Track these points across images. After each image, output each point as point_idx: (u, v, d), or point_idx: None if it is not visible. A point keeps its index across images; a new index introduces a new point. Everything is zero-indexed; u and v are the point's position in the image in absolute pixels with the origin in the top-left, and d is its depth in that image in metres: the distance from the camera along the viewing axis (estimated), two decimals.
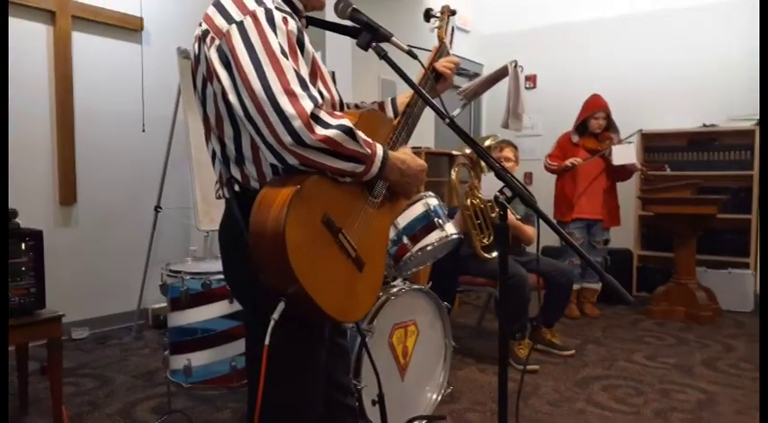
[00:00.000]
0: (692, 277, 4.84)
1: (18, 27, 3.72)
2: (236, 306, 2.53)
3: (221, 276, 2.53)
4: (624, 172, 4.95)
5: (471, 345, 4.02)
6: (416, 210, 2.75)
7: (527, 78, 6.47)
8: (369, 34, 1.50)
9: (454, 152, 4.84)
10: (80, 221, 4.09)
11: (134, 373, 3.38)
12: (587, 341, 4.19)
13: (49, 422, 2.64)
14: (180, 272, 2.62)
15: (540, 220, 1.39)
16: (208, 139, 1.47)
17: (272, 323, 1.29)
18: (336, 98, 1.49)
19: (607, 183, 4.97)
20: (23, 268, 2.44)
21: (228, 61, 1.30)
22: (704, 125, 5.53)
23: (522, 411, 2.92)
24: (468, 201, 3.52)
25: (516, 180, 1.42)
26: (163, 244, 4.36)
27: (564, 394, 3.18)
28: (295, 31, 1.34)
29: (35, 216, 3.57)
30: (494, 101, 6.51)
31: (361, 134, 1.32)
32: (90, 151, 4.11)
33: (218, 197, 1.51)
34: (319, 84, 1.42)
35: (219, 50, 1.31)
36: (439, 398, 2.80)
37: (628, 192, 5.48)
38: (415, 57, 1.55)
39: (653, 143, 5.78)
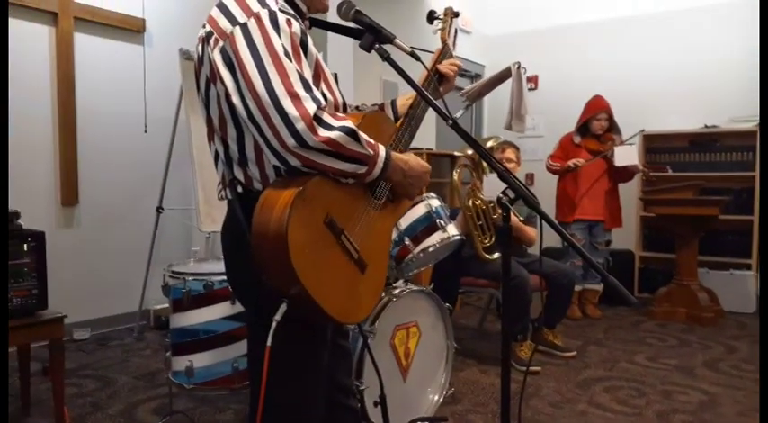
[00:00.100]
0: (694, 278, 4.83)
1: (20, 28, 3.72)
2: (239, 307, 2.53)
3: (223, 278, 2.53)
4: (626, 173, 4.95)
5: (473, 346, 4.02)
6: (418, 211, 2.75)
7: (528, 79, 6.47)
8: (372, 36, 1.51)
9: (456, 153, 4.85)
10: (82, 222, 4.10)
11: (136, 374, 3.38)
12: (589, 342, 4.19)
13: None
14: (182, 273, 2.62)
15: (542, 222, 1.40)
16: (211, 140, 1.47)
17: (274, 325, 1.29)
18: (339, 100, 1.49)
19: (609, 184, 4.97)
20: (26, 269, 2.44)
21: (232, 63, 1.30)
22: (706, 126, 5.53)
23: (524, 413, 2.92)
24: (470, 202, 3.52)
25: (519, 181, 1.42)
26: (164, 245, 4.37)
27: (565, 395, 3.17)
28: (299, 32, 1.34)
29: (37, 217, 3.57)
30: (495, 102, 6.51)
31: (363, 135, 1.33)
32: (92, 152, 4.11)
33: (221, 198, 1.51)
34: (322, 86, 1.43)
35: (223, 52, 1.31)
36: (441, 399, 2.80)
37: (629, 193, 5.48)
38: (417, 58, 1.55)
39: (655, 144, 5.78)
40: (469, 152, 3.56)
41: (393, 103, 1.78)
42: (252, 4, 1.33)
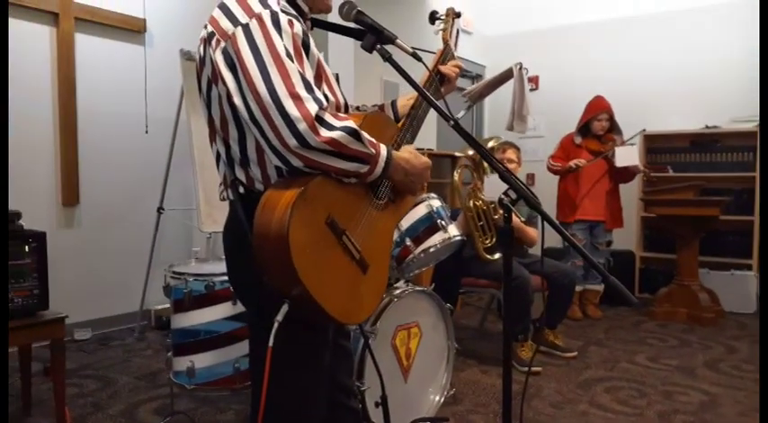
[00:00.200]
0: (695, 279, 4.83)
1: (21, 29, 3.72)
2: (240, 308, 2.53)
3: (225, 278, 2.53)
4: (627, 173, 4.95)
5: (473, 346, 4.02)
6: (419, 211, 2.75)
7: (529, 80, 6.48)
8: (373, 36, 1.51)
9: (457, 154, 4.85)
10: (83, 223, 4.10)
11: (137, 375, 3.38)
12: (590, 343, 4.19)
13: None
14: (183, 273, 2.63)
15: (543, 222, 1.40)
16: (212, 140, 1.47)
17: (275, 325, 1.29)
18: (341, 100, 1.49)
19: (610, 184, 4.97)
20: (27, 270, 2.44)
21: (234, 64, 1.30)
22: (707, 126, 5.53)
23: (525, 413, 2.92)
24: (471, 202, 3.52)
25: (520, 182, 1.42)
26: (165, 245, 4.37)
27: (566, 396, 3.17)
28: (300, 33, 1.34)
29: (38, 217, 3.57)
30: (496, 103, 6.51)
31: (365, 135, 1.33)
32: (93, 153, 4.11)
33: (223, 199, 1.51)
34: (324, 86, 1.43)
35: (225, 53, 1.31)
36: (442, 399, 2.80)
37: (630, 193, 5.48)
38: (419, 59, 1.55)
39: (655, 144, 5.78)
40: (470, 152, 3.56)
41: (393, 104, 1.78)
42: (254, 4, 1.33)
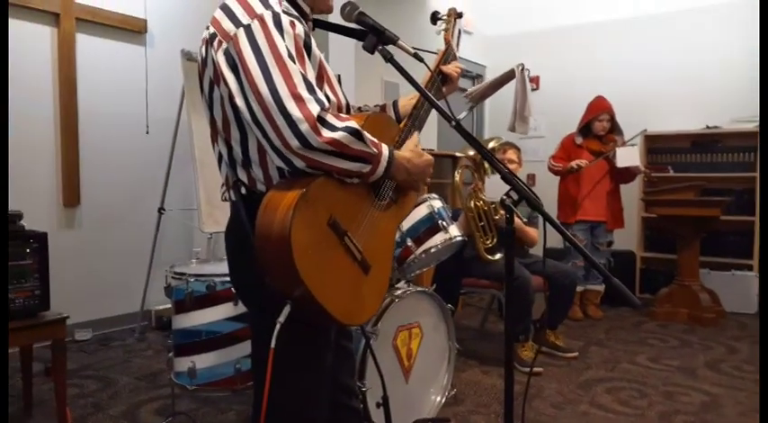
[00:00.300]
0: (696, 279, 4.83)
1: (22, 29, 3.72)
2: (241, 308, 2.53)
3: (226, 278, 2.53)
4: (628, 174, 4.95)
5: (474, 347, 4.02)
6: (420, 212, 2.75)
7: (530, 80, 6.47)
8: (375, 37, 1.51)
9: (457, 154, 4.85)
10: (83, 223, 4.10)
11: (137, 375, 3.38)
12: (590, 343, 4.19)
13: None
14: (184, 274, 2.62)
15: (545, 223, 1.40)
16: (214, 141, 1.47)
17: (277, 326, 1.29)
18: (343, 101, 1.49)
19: (611, 185, 4.97)
20: (28, 270, 2.44)
21: (236, 64, 1.30)
22: (707, 127, 5.53)
23: (526, 414, 2.92)
24: (472, 202, 3.52)
25: (522, 183, 1.42)
26: (166, 246, 4.37)
27: (567, 396, 3.17)
28: (302, 34, 1.34)
29: (39, 218, 3.57)
30: (497, 103, 6.50)
31: (367, 135, 1.33)
32: (94, 153, 4.11)
33: (225, 200, 1.51)
34: (326, 87, 1.43)
35: (227, 54, 1.31)
36: (443, 400, 2.80)
37: (631, 193, 5.48)
38: (421, 60, 1.55)
39: (656, 145, 5.78)
40: (471, 153, 3.56)
41: (395, 104, 1.78)
42: (255, 5, 1.33)
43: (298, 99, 1.25)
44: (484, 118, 7.18)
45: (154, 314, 4.37)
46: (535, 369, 3.52)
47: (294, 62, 1.28)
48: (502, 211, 3.60)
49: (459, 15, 1.94)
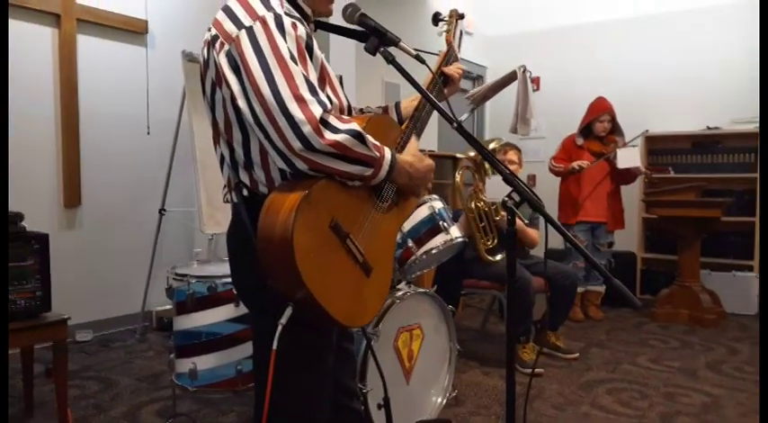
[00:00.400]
0: (696, 280, 4.83)
1: (23, 30, 3.72)
2: (242, 309, 2.53)
3: (227, 280, 2.53)
4: (628, 175, 4.95)
5: (475, 348, 4.01)
6: (421, 213, 2.75)
7: (531, 81, 6.48)
8: (377, 39, 1.51)
9: (458, 155, 4.85)
10: (84, 224, 4.10)
11: (138, 376, 3.38)
12: (591, 344, 4.19)
13: None
14: (185, 275, 2.62)
15: (547, 225, 1.40)
16: (216, 143, 1.47)
17: (279, 328, 1.29)
18: (344, 103, 1.50)
19: (611, 186, 4.97)
20: (29, 271, 2.44)
21: (238, 66, 1.30)
22: (708, 128, 5.53)
23: (527, 415, 2.92)
24: (473, 203, 3.52)
25: (524, 184, 1.42)
26: (167, 246, 4.37)
27: (568, 398, 3.17)
28: (304, 36, 1.34)
29: (40, 219, 3.58)
30: (498, 105, 6.50)
31: (369, 138, 1.33)
32: (94, 154, 4.11)
33: (226, 202, 1.51)
34: (327, 89, 1.43)
35: (229, 55, 1.32)
36: (444, 401, 2.79)
37: (631, 194, 5.49)
38: (423, 62, 1.55)
39: (657, 146, 5.79)
40: (472, 154, 3.56)
41: (397, 106, 1.78)
42: (257, 7, 1.33)
43: (300, 101, 1.25)
44: (485, 119, 7.18)
45: (155, 315, 4.37)
46: (536, 370, 3.52)
47: (296, 64, 1.28)
48: (503, 212, 3.60)
49: (461, 17, 1.94)
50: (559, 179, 5.08)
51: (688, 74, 5.78)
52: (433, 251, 2.71)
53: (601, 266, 1.38)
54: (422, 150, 1.59)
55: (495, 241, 3.60)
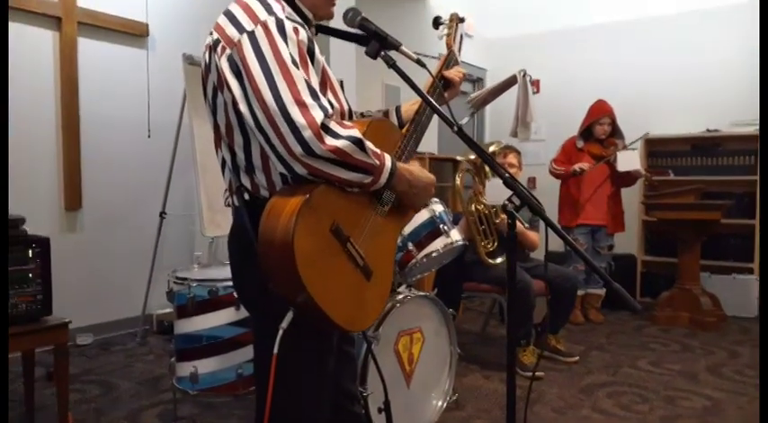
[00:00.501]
0: (696, 283, 4.83)
1: (24, 33, 3.73)
2: (243, 313, 2.54)
3: (228, 283, 2.53)
4: (629, 178, 4.95)
5: (475, 351, 4.01)
6: (422, 216, 2.76)
7: (531, 83, 6.49)
8: (378, 43, 1.51)
9: (458, 158, 4.85)
10: (85, 227, 4.10)
11: (139, 380, 3.38)
12: (591, 347, 4.19)
13: None
14: (186, 279, 2.63)
15: (547, 229, 1.40)
16: (218, 147, 1.47)
17: (280, 332, 1.29)
18: (345, 107, 1.50)
19: (612, 189, 4.97)
20: (30, 275, 2.44)
21: (239, 71, 1.30)
22: (708, 130, 5.53)
23: (528, 419, 2.91)
24: (473, 206, 3.52)
25: (524, 188, 1.42)
26: (167, 250, 4.37)
27: (569, 401, 3.17)
28: (306, 40, 1.35)
29: (41, 222, 3.58)
30: (498, 108, 6.51)
31: (370, 145, 1.33)
32: (95, 157, 4.12)
33: (227, 205, 1.52)
34: (329, 93, 1.43)
35: (230, 60, 1.32)
36: (444, 405, 2.79)
37: (631, 197, 5.49)
38: (423, 66, 1.56)
39: (656, 148, 5.79)
40: (472, 157, 3.57)
41: (398, 110, 1.79)
42: (259, 11, 1.34)
43: (301, 105, 1.25)
44: (485, 123, 7.19)
45: (155, 318, 4.37)
46: (536, 373, 3.52)
47: (298, 68, 1.29)
48: (503, 215, 3.61)
49: (461, 20, 1.95)
50: (559, 182, 5.09)
51: (688, 76, 5.78)
52: (434, 254, 2.71)
53: (601, 270, 1.38)
54: (421, 153, 1.60)
55: (496, 244, 3.60)
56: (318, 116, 1.25)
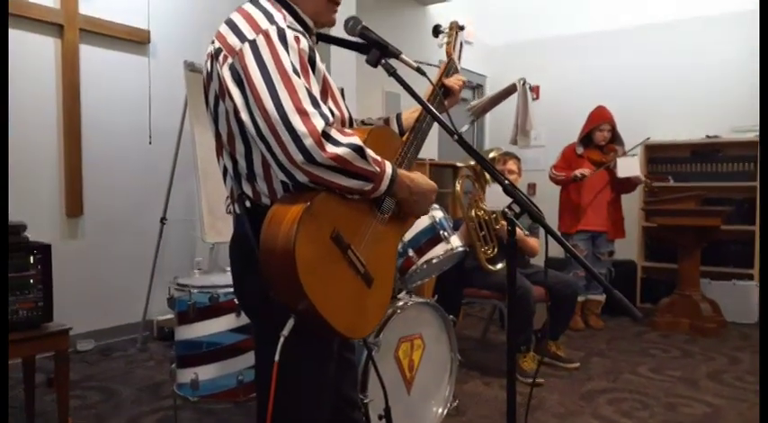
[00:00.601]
0: (697, 289, 4.83)
1: (26, 40, 3.75)
2: (244, 320, 2.54)
3: (229, 290, 2.54)
4: (629, 184, 4.96)
5: (476, 357, 4.01)
6: (422, 222, 2.76)
7: (531, 89, 6.51)
8: (378, 51, 1.52)
9: (458, 164, 4.86)
10: (86, 233, 4.11)
11: (139, 386, 3.38)
12: (592, 353, 4.18)
13: None
14: (187, 285, 2.63)
15: (547, 236, 1.40)
16: (219, 155, 1.48)
17: (281, 340, 1.30)
18: (346, 115, 1.51)
19: (612, 195, 4.98)
20: (31, 281, 2.44)
21: (241, 79, 1.31)
22: (707, 136, 5.55)
23: None
24: (473, 212, 3.53)
25: (524, 196, 1.43)
26: (168, 256, 4.37)
27: (569, 408, 3.17)
28: (307, 49, 1.36)
29: (42, 228, 3.59)
30: (498, 116, 6.52)
31: (370, 152, 1.34)
32: (97, 163, 4.13)
33: (229, 212, 1.53)
34: (330, 101, 1.44)
35: (232, 69, 1.33)
36: (445, 412, 2.79)
37: (631, 203, 5.49)
38: (424, 74, 1.56)
39: (656, 154, 5.80)
40: (472, 162, 3.57)
41: (398, 117, 1.80)
42: (260, 20, 1.35)
43: (302, 114, 1.26)
44: (485, 130, 7.20)
45: (156, 324, 4.37)
46: (536, 380, 3.52)
47: (299, 77, 1.30)
48: (503, 221, 3.61)
49: (461, 28, 1.96)
50: (559, 188, 5.10)
51: (688, 82, 5.80)
52: (434, 261, 2.72)
53: (601, 278, 1.39)
54: (422, 159, 1.61)
55: (496, 250, 3.60)
56: (319, 124, 1.26)
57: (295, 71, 1.30)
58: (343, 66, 4.23)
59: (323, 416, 1.52)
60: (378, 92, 5.36)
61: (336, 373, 1.55)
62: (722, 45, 5.65)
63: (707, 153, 5.60)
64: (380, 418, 2.08)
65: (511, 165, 3.90)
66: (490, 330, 4.59)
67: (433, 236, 2.75)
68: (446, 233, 2.77)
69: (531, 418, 3.00)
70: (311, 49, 1.38)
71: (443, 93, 1.79)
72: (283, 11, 1.42)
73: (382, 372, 2.03)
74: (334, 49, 4.17)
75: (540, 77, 6.45)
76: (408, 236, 2.72)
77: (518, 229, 1.48)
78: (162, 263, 4.25)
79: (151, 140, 4.34)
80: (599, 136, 4.91)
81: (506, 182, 1.42)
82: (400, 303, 2.55)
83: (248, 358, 2.54)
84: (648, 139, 5.34)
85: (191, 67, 3.88)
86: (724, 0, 5.64)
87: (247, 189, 1.42)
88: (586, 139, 4.98)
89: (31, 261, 2.45)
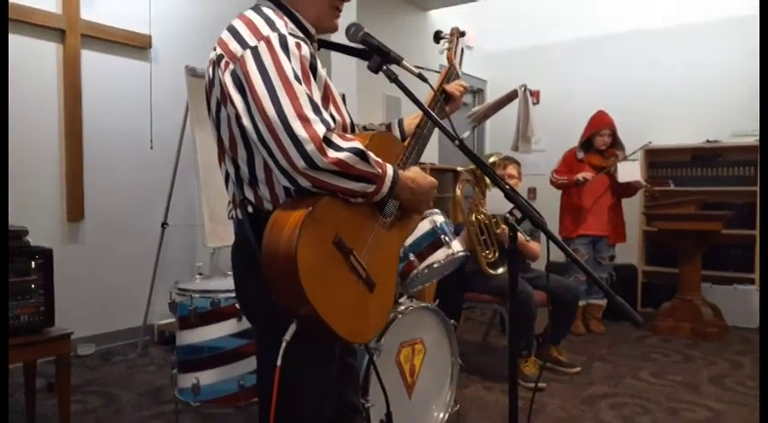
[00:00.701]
0: (698, 293, 4.83)
1: (28, 45, 3.76)
2: (245, 324, 2.54)
3: (230, 295, 2.54)
4: (629, 189, 4.96)
5: (477, 362, 4.01)
6: (423, 227, 2.76)
7: (531, 94, 6.52)
8: (380, 58, 1.53)
9: (458, 168, 4.87)
10: (87, 238, 4.11)
11: (140, 391, 3.37)
12: (593, 358, 4.18)
13: None
14: (188, 290, 2.63)
15: (549, 241, 1.41)
16: (221, 160, 1.49)
17: (283, 344, 1.30)
18: (347, 120, 1.51)
19: (612, 199, 4.98)
20: (33, 286, 2.45)
21: (242, 85, 1.32)
22: (708, 141, 5.55)
23: None
24: (473, 216, 3.53)
25: (526, 201, 1.44)
26: (169, 260, 4.37)
27: (571, 412, 3.16)
28: (308, 56, 1.37)
29: (43, 233, 3.59)
30: (499, 121, 6.50)
31: (372, 155, 1.35)
32: (98, 168, 4.14)
33: (231, 218, 1.53)
34: (331, 107, 1.45)
35: (234, 75, 1.34)
36: (446, 416, 2.78)
37: (632, 207, 5.49)
38: (425, 80, 1.57)
39: (657, 159, 5.80)
40: (472, 167, 3.58)
41: (400, 123, 1.81)
42: (262, 27, 1.36)
43: (304, 120, 1.27)
44: (485, 135, 7.20)
45: (156, 329, 4.37)
46: (538, 384, 3.51)
47: (300, 83, 1.30)
48: (503, 226, 3.62)
49: (462, 34, 1.97)
50: (560, 192, 5.10)
51: (688, 87, 5.80)
52: (435, 265, 2.72)
53: (603, 283, 1.39)
54: (422, 163, 1.62)
55: (496, 254, 3.60)
56: (321, 130, 1.27)
57: (296, 77, 1.31)
58: (344, 70, 4.25)
59: (325, 420, 1.52)
60: (379, 97, 5.36)
61: (338, 378, 1.56)
62: (722, 49, 5.65)
63: (707, 157, 5.60)
64: (382, 422, 2.08)
65: (511, 169, 3.90)
66: (491, 335, 4.59)
67: (434, 240, 2.75)
68: (447, 238, 2.77)
69: (532, 422, 3.00)
70: (312, 56, 1.39)
71: (444, 98, 1.79)
72: (285, 17, 1.43)
73: (383, 376, 2.03)
74: (334, 54, 4.20)
75: (541, 82, 6.44)
76: (409, 240, 2.72)
77: (519, 234, 1.48)
78: (163, 267, 4.26)
79: (152, 145, 4.35)
80: (599, 141, 4.91)
81: (507, 187, 1.42)
82: (401, 308, 2.54)
83: (250, 363, 2.54)
84: (649, 143, 5.34)
85: (192, 73, 3.89)
86: (724, 6, 5.65)
87: (249, 194, 1.42)
88: (587, 143, 4.98)
89: (33, 266, 2.45)
